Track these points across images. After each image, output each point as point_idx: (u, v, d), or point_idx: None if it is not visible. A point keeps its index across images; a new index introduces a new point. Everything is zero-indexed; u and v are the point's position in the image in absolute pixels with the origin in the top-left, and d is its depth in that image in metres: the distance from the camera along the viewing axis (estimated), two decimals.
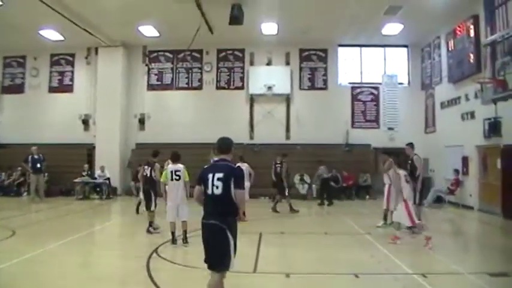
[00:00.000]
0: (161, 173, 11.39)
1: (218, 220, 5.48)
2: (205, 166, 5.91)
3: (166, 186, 10.71)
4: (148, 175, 11.95)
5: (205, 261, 5.61)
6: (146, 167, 12.11)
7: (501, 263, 8.96)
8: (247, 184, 13.54)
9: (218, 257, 5.49)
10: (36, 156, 19.83)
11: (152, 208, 11.89)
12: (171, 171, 10.36)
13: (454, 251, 10.58)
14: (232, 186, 5.51)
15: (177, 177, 10.29)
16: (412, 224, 10.53)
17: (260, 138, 23.35)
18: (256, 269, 8.02)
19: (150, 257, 8.97)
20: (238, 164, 5.73)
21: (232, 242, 5.48)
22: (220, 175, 5.54)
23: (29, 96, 25.02)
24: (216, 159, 5.96)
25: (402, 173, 11.08)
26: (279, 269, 8.01)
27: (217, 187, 5.52)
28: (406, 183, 10.85)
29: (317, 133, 22.95)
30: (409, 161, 12.36)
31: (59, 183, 22.11)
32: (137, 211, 15.42)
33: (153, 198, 11.88)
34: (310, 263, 8.75)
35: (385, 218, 12.88)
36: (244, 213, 5.84)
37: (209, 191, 5.58)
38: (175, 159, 10.56)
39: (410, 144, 12.72)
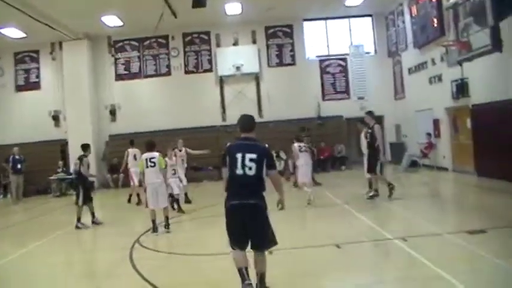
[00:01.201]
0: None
1: (256, 200, 5.47)
2: (229, 144, 5.77)
3: (140, 175, 10.73)
4: (78, 170, 12.08)
5: (236, 243, 5.55)
6: (77, 161, 12.29)
7: (478, 221, 9.11)
8: None
9: (264, 236, 5.55)
10: (17, 157, 19.66)
11: (80, 203, 11.89)
12: (146, 159, 10.38)
13: (431, 212, 10.80)
14: (264, 167, 5.47)
15: (152, 164, 10.31)
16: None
17: (233, 119, 22.53)
18: None
19: (132, 247, 8.94)
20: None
21: (268, 220, 5.58)
22: (253, 156, 5.42)
23: None
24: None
25: (297, 144, 12.81)
26: None
27: (250, 168, 5.41)
28: (300, 152, 12.67)
29: (289, 109, 22.94)
30: (369, 131, 12.39)
31: (35, 183, 21.72)
32: (129, 200, 16.10)
33: (81, 193, 11.90)
34: (292, 237, 8.80)
35: (370, 186, 12.71)
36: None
37: (239, 171, 5.44)
38: (150, 147, 10.58)
39: (370, 113, 12.71)
